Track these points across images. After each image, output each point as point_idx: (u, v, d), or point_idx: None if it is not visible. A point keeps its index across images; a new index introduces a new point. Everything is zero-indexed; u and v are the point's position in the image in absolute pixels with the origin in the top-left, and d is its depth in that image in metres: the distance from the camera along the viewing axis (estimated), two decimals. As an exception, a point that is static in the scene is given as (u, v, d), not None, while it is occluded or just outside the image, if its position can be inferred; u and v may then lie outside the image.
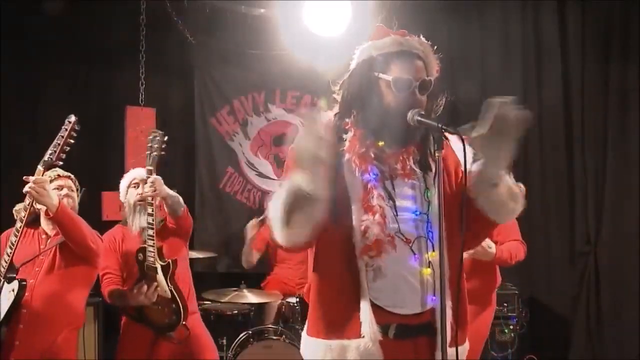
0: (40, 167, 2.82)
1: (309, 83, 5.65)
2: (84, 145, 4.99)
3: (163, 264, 3.27)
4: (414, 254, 1.75)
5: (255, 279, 4.99)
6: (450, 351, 1.73)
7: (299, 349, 3.96)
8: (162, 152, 3.33)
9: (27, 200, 2.84)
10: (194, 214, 4.15)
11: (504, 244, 3.19)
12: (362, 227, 1.73)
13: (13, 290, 2.87)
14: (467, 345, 1.90)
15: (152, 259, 3.23)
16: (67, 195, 3.09)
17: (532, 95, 5.43)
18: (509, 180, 1.80)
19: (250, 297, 4.24)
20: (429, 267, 1.76)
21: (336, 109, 1.88)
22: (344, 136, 1.81)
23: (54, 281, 3.00)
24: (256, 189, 5.64)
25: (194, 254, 4.58)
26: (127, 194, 3.48)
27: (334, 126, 1.81)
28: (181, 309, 3.23)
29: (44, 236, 3.09)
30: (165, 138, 3.32)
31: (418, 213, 1.77)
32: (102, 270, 3.30)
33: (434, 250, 1.75)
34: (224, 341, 4.29)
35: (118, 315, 3.59)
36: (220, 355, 4.31)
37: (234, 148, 5.64)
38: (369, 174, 1.75)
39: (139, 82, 5.13)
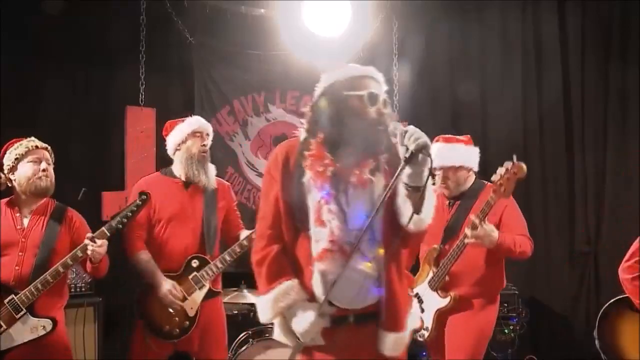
0: (106, 232, 2.93)
1: (309, 83, 5.55)
2: (84, 145, 5.04)
3: (214, 289, 3.32)
4: (364, 255, 2.00)
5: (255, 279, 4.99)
6: (390, 336, 2.08)
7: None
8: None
9: (80, 253, 2.90)
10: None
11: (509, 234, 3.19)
12: (314, 239, 2.02)
13: (44, 328, 2.88)
14: (406, 333, 2.15)
15: (206, 277, 3.28)
16: (44, 170, 3.02)
17: (532, 95, 5.43)
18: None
19: (250, 297, 4.23)
20: (371, 262, 2.03)
21: (303, 132, 2.14)
22: (306, 154, 2.07)
23: None
24: (256, 189, 5.64)
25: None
26: (185, 140, 3.41)
27: (299, 149, 2.10)
28: (190, 330, 3.24)
29: (18, 214, 3.03)
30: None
31: (366, 216, 1.99)
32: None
33: (379, 247, 2.03)
34: (224, 341, 4.28)
35: (118, 315, 3.58)
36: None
37: (233, 148, 5.64)
38: (323, 191, 2.02)
39: (139, 82, 5.13)
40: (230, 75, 5.63)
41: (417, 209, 1.96)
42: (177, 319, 3.24)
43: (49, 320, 2.89)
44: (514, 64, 5.48)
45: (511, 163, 2.93)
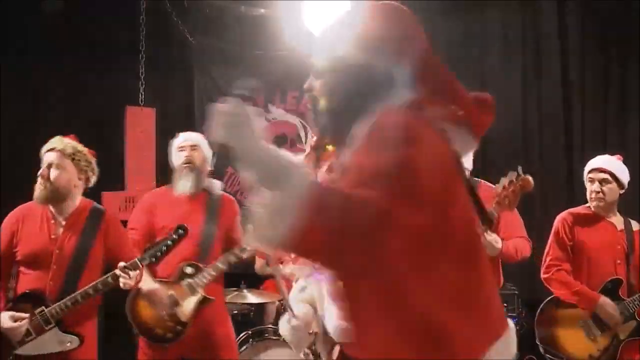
0: (139, 264, 2.85)
1: (309, 83, 5.65)
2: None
3: (208, 297, 3.27)
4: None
5: (255, 278, 4.99)
6: None
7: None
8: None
9: (111, 280, 2.82)
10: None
11: (509, 240, 3.18)
12: None
13: (70, 343, 2.81)
14: None
15: (201, 284, 3.24)
16: (43, 177, 2.86)
17: (532, 95, 5.43)
18: None
19: (250, 297, 4.23)
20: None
21: None
22: None
23: None
24: (256, 189, 5.64)
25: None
26: (174, 156, 3.48)
27: None
28: (181, 335, 3.23)
29: (53, 221, 2.89)
30: None
31: None
32: (129, 224, 3.36)
33: None
34: (224, 341, 4.28)
35: (118, 316, 3.57)
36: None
37: (234, 148, 5.64)
38: None
39: (139, 82, 5.13)
40: (230, 75, 5.63)
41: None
42: (170, 323, 3.24)
43: (75, 337, 2.83)
44: (514, 63, 5.48)
45: (515, 174, 2.78)
